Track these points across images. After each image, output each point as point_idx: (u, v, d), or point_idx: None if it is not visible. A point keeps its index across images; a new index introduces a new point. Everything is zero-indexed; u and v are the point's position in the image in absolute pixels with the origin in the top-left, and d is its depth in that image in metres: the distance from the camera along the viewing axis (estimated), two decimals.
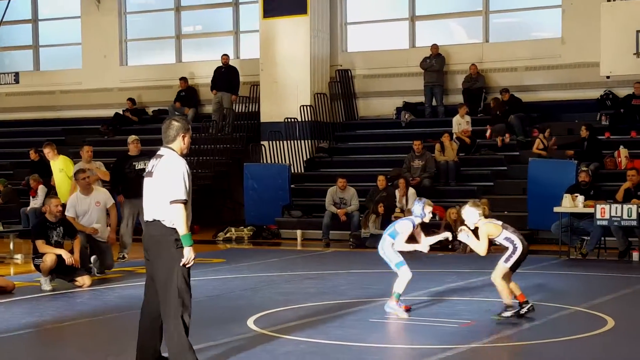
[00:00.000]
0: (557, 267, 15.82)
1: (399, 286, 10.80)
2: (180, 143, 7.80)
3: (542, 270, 14.99)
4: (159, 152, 7.83)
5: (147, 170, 7.80)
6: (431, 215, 10.98)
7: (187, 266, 7.62)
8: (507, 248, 10.47)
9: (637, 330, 10.23)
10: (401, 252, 10.91)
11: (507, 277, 10.49)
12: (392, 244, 10.91)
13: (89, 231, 14.45)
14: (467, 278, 13.72)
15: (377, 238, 18.75)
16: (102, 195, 15.00)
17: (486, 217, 10.71)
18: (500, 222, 10.61)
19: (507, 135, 22.32)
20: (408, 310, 10.84)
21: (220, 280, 14.04)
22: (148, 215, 7.73)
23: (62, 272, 13.45)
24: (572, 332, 9.79)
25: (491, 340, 9.48)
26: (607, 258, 16.90)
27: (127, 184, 16.83)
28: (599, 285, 13.85)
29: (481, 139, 22.86)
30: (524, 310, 10.42)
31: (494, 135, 22.55)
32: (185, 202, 7.55)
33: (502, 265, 10.41)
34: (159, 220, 7.62)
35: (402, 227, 10.91)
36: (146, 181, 7.79)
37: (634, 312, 11.61)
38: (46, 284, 13.21)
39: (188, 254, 7.60)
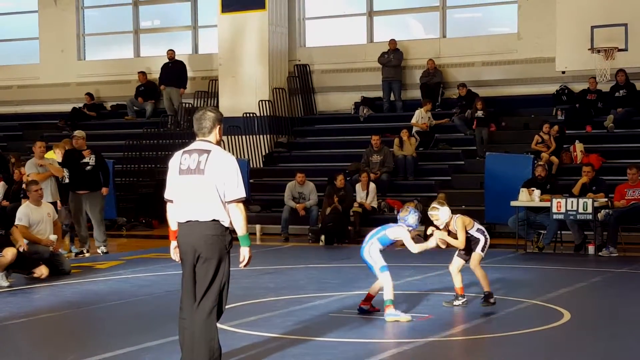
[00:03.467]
0: (514, 260, 15.97)
1: (388, 293, 10.33)
2: (216, 135, 7.56)
3: (499, 264, 15.11)
4: (201, 147, 7.47)
5: (190, 167, 7.41)
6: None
7: (245, 267, 7.62)
8: (478, 239, 10.77)
9: (592, 323, 10.38)
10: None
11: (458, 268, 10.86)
12: (380, 249, 10.55)
13: (45, 242, 14.29)
14: (424, 272, 13.82)
15: None
16: (51, 208, 15.03)
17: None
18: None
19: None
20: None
21: (179, 276, 13.99)
22: (202, 215, 7.38)
23: (18, 266, 13.41)
24: (529, 325, 9.90)
25: (448, 334, 9.57)
26: (563, 251, 17.08)
27: (77, 179, 16.84)
28: (555, 279, 14.01)
29: (440, 134, 22.99)
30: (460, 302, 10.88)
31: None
32: (245, 200, 7.45)
33: (479, 255, 10.77)
34: (218, 220, 7.39)
35: (398, 233, 10.56)
36: (193, 179, 7.39)
37: (589, 304, 11.78)
38: (3, 280, 13.11)
39: (247, 254, 7.55)
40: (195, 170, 7.42)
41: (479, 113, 22.09)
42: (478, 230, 10.81)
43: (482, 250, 10.79)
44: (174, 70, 26.16)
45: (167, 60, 26.30)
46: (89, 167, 17.03)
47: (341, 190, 19.40)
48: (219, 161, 7.42)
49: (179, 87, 26.16)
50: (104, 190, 17.36)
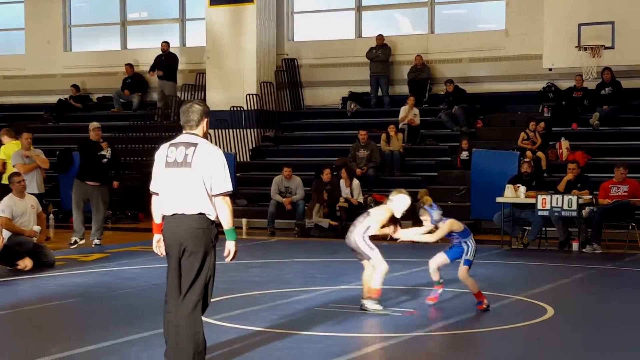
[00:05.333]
0: (499, 256, 16.01)
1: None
2: (203, 128, 7.55)
3: (484, 260, 15.14)
4: (188, 140, 7.45)
5: (176, 160, 7.37)
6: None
7: (231, 261, 7.61)
8: None
9: (575, 319, 10.44)
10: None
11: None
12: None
13: (29, 233, 14.29)
14: (410, 267, 13.84)
15: (320, 227, 18.96)
16: (34, 200, 14.94)
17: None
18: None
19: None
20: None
21: (165, 269, 13.98)
22: (188, 208, 7.34)
23: (2, 258, 13.41)
24: (513, 320, 9.95)
25: (433, 329, 9.60)
26: (548, 248, 17.16)
27: (91, 170, 16.79)
28: (540, 275, 14.06)
29: (426, 130, 23.00)
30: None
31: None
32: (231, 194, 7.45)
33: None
34: (204, 214, 7.37)
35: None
36: (180, 172, 7.36)
37: (572, 300, 11.83)
38: None
39: (233, 248, 7.55)
40: (182, 163, 7.40)
41: (464, 155, 21.07)
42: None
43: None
44: (167, 63, 26.08)
45: (161, 52, 26.19)
46: (105, 160, 17.00)
47: (328, 185, 19.42)
48: (206, 154, 7.41)
49: (171, 80, 26.08)
50: (116, 183, 17.69)
